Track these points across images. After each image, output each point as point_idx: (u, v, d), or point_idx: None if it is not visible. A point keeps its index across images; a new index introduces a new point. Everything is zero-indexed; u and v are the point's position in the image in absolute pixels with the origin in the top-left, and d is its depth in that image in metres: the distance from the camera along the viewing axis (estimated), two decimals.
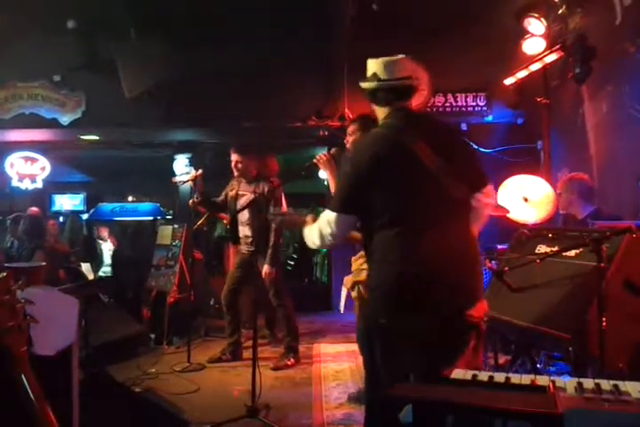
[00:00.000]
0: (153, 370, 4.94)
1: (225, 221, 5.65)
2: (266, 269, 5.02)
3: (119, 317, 5.66)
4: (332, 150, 3.78)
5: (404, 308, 2.23)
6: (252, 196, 5.07)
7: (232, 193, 5.28)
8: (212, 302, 6.95)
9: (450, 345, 2.25)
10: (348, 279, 3.72)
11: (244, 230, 5.20)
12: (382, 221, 2.30)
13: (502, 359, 3.86)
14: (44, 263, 4.76)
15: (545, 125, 6.50)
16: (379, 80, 2.46)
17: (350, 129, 3.76)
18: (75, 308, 2.31)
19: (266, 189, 5.03)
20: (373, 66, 2.50)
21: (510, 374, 1.21)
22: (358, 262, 3.63)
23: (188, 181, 5.27)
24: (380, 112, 2.51)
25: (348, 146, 3.74)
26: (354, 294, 3.60)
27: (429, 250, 2.25)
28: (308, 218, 2.66)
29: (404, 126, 2.38)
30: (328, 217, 2.38)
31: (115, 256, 7.91)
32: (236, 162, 5.15)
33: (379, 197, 2.29)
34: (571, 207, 4.31)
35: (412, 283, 2.21)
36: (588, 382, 1.14)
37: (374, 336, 2.38)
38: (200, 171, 5.13)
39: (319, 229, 2.41)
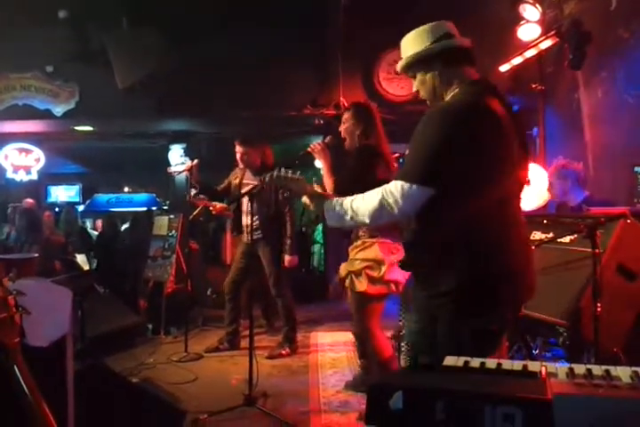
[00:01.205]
0: (150, 360, 4.95)
1: (214, 211, 5.59)
2: (288, 258, 5.06)
3: (115, 307, 5.65)
4: (327, 139, 3.76)
5: (485, 309, 1.95)
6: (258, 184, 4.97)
7: (236, 182, 5.22)
8: (208, 292, 6.97)
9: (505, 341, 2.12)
10: (343, 267, 3.71)
11: (246, 220, 5.12)
12: (460, 204, 1.96)
13: None
14: (36, 255, 4.74)
15: (540, 112, 6.48)
16: (452, 37, 2.17)
17: (345, 117, 3.73)
18: (68, 298, 2.30)
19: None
20: (439, 27, 2.19)
21: (502, 360, 1.21)
22: (353, 252, 3.62)
23: (183, 171, 5.23)
24: (451, 76, 2.14)
25: (342, 134, 3.72)
26: (347, 283, 3.60)
27: (514, 247, 2.02)
28: (316, 187, 2.36)
29: (489, 97, 2.03)
30: (397, 189, 1.94)
31: (101, 244, 7.89)
32: (242, 154, 5.11)
33: (461, 172, 1.93)
34: (566, 195, 4.32)
35: (503, 286, 1.96)
36: (580, 368, 1.13)
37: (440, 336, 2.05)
38: (196, 161, 5.09)
39: (382, 204, 1.97)
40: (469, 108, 1.99)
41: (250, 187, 4.94)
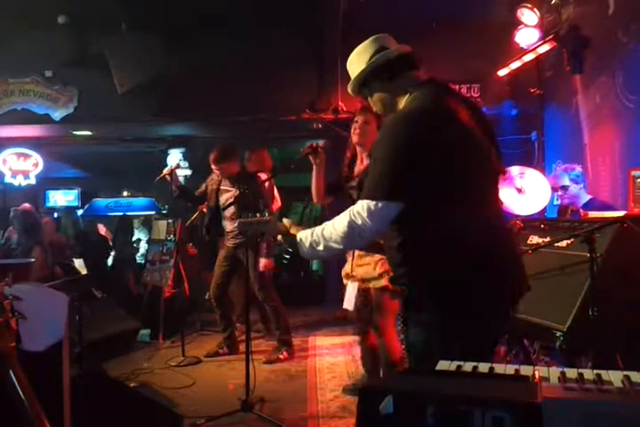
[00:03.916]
0: (148, 365, 4.95)
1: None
2: (263, 261, 5.03)
3: (113, 312, 5.65)
4: (321, 143, 3.75)
5: (471, 312, 1.88)
6: (237, 192, 4.91)
7: (213, 187, 5.26)
8: (206, 297, 6.94)
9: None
10: (361, 274, 3.68)
11: (230, 225, 5.16)
12: (433, 213, 1.89)
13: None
14: (32, 260, 4.73)
15: (539, 116, 6.51)
16: (387, 49, 2.11)
17: (360, 119, 3.53)
18: (64, 303, 2.30)
19: (252, 185, 5.00)
20: (376, 42, 2.15)
21: (495, 365, 1.21)
22: (362, 259, 3.61)
23: (164, 175, 5.23)
24: (398, 87, 2.09)
25: (358, 139, 3.55)
26: (370, 284, 3.59)
27: (497, 245, 1.94)
28: (287, 222, 2.16)
29: (443, 96, 2.00)
30: (364, 209, 1.87)
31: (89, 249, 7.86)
32: (217, 170, 5.11)
33: (430, 179, 1.85)
34: (576, 198, 4.38)
35: (493, 290, 1.90)
36: (572, 372, 1.14)
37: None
38: (176, 164, 5.16)
39: (351, 226, 1.89)
40: (423, 111, 1.93)
41: (230, 194, 5.08)
